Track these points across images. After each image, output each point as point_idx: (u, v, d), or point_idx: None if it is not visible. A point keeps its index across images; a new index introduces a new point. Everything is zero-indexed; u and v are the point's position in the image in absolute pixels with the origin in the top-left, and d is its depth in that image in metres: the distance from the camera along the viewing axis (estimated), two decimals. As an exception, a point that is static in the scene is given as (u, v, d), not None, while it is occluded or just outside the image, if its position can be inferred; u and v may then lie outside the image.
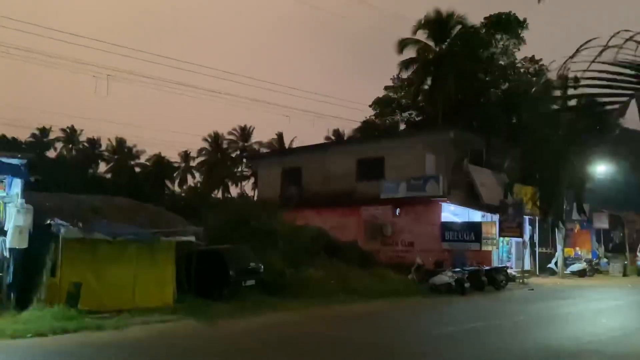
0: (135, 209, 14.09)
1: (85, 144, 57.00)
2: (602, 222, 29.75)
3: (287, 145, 55.07)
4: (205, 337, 10.07)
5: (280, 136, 57.78)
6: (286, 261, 16.19)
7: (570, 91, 3.28)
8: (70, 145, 57.15)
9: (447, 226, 22.90)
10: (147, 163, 56.57)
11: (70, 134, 56.80)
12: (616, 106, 3.02)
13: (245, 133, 60.25)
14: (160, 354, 8.77)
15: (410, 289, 17.38)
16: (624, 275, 26.81)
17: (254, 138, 60.49)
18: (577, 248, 28.75)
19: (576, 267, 25.75)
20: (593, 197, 29.41)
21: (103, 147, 57.68)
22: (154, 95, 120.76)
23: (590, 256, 28.48)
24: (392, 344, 9.62)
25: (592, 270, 26.38)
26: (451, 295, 16.74)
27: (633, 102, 2.94)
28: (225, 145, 60.79)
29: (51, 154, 51.53)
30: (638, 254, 27.94)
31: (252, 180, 54.27)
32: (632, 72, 3.00)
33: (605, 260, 28.70)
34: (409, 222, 23.87)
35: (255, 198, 36.50)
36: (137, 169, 55.65)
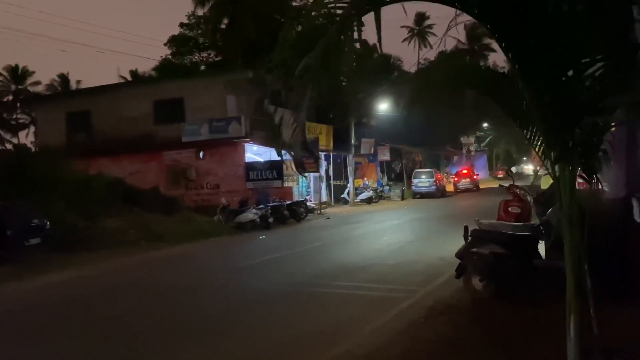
0: None
1: None
2: (384, 155, 33.72)
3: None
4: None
5: (64, 77, 51.09)
6: (78, 214, 14.74)
7: None
8: None
9: (250, 166, 23.39)
10: None
11: None
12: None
13: (18, 74, 51.64)
14: None
15: (216, 229, 17.50)
16: (402, 199, 31.12)
17: (32, 80, 52.32)
18: (365, 179, 32.25)
19: (364, 195, 28.92)
20: (377, 132, 32.97)
21: None
22: None
23: (376, 185, 32.22)
24: (195, 282, 9.58)
25: (378, 197, 29.97)
26: (256, 231, 17.36)
27: None
28: (-8, 90, 51.43)
29: None
30: (413, 180, 32.53)
31: (32, 129, 47.49)
32: None
33: (387, 187, 32.85)
34: (214, 164, 23.71)
35: (38, 148, 32.09)
36: None
